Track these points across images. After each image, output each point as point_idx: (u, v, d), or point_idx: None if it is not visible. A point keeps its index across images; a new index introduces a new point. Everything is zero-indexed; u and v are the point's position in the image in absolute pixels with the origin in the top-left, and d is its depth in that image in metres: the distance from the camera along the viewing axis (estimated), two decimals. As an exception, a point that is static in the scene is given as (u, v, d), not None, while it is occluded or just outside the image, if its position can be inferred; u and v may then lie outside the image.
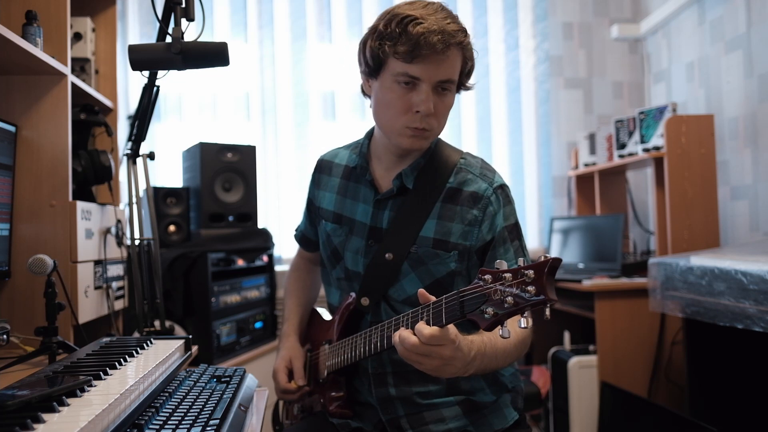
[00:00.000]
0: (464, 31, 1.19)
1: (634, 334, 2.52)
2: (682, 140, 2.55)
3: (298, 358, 1.43)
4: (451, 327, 1.02)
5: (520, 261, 0.90)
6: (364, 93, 1.33)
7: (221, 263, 2.39)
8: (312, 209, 1.50)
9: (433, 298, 1.04)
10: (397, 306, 1.29)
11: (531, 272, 0.87)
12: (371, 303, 1.29)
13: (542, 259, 0.87)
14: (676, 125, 2.55)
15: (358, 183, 1.37)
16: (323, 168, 1.47)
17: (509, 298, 0.89)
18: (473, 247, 1.26)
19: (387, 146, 1.32)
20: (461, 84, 1.27)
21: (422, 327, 1.00)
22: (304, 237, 1.58)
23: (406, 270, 1.27)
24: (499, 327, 0.92)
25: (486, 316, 0.92)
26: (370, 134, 1.39)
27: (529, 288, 0.87)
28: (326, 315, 1.50)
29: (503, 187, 1.30)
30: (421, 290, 1.07)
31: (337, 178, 1.42)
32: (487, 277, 0.93)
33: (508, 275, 0.90)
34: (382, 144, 1.33)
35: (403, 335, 1.03)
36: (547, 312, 0.87)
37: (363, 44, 1.25)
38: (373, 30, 1.21)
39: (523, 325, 0.89)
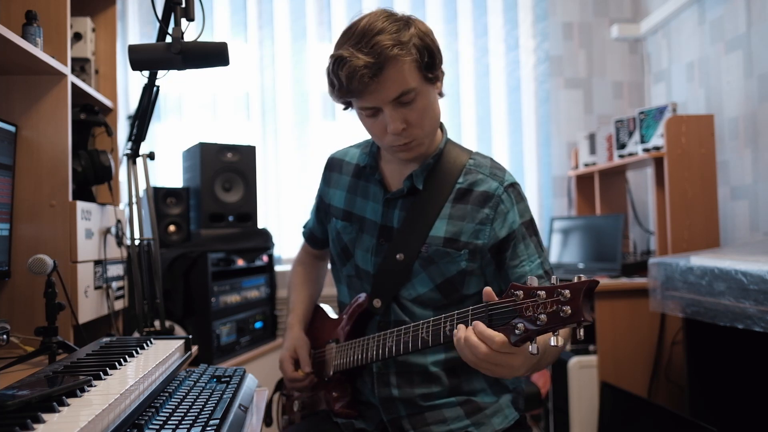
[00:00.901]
0: (396, 43, 1.14)
1: (634, 334, 2.52)
2: (682, 140, 2.55)
3: (303, 347, 1.44)
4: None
5: (554, 279, 0.90)
6: None
7: (221, 263, 2.39)
8: (322, 207, 1.50)
9: (496, 298, 0.98)
10: (407, 305, 1.29)
11: (567, 292, 0.86)
12: (382, 305, 1.30)
13: (577, 279, 0.86)
14: (676, 125, 2.55)
15: (368, 182, 1.38)
16: (334, 166, 1.48)
17: (542, 316, 0.88)
18: (486, 245, 1.26)
19: None
20: (428, 77, 1.20)
21: (492, 335, 0.93)
22: (311, 235, 1.59)
23: (417, 270, 1.27)
24: (529, 343, 0.91)
25: (517, 331, 0.91)
26: None
27: (565, 308, 0.86)
28: (330, 312, 1.50)
29: (514, 185, 1.30)
30: (487, 288, 0.99)
31: (348, 176, 1.43)
32: (519, 293, 0.92)
33: (542, 293, 0.89)
34: None
35: (472, 342, 0.95)
36: (581, 332, 0.87)
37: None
38: (325, 75, 1.25)
39: (553, 344, 0.88)
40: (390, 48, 1.14)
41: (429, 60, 1.20)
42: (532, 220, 1.30)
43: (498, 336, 0.92)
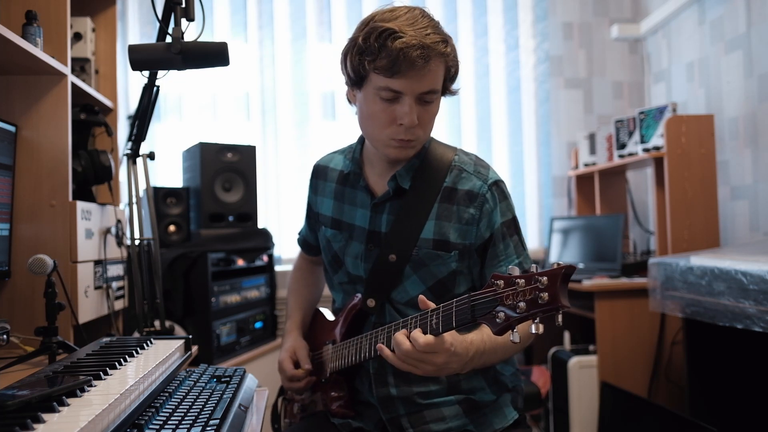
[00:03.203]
0: (445, 41, 1.17)
1: (634, 334, 2.52)
2: (682, 140, 2.55)
3: (302, 348, 1.44)
4: (447, 335, 1.05)
5: (533, 267, 0.91)
6: (350, 101, 1.31)
7: (221, 263, 2.39)
8: (311, 215, 1.50)
9: (432, 305, 1.06)
10: (400, 308, 1.29)
11: (545, 279, 0.87)
12: (377, 305, 1.30)
13: (555, 266, 0.87)
14: (676, 125, 2.55)
15: (354, 188, 1.37)
16: (319, 173, 1.47)
17: (521, 304, 0.89)
18: (473, 245, 1.27)
19: (378, 153, 1.31)
20: (445, 89, 1.24)
21: (417, 335, 1.04)
22: (305, 242, 1.58)
23: (408, 272, 1.27)
24: (510, 331, 0.92)
25: (497, 320, 0.93)
26: (362, 139, 1.38)
27: (543, 294, 0.87)
28: (329, 315, 1.50)
29: (498, 183, 1.30)
30: (421, 297, 1.09)
31: (333, 184, 1.42)
32: (500, 282, 0.94)
33: (521, 281, 0.90)
34: (374, 151, 1.33)
35: (399, 340, 1.06)
36: (559, 318, 0.88)
37: (344, 56, 1.23)
38: (353, 43, 1.19)
39: (534, 331, 0.89)
40: (442, 43, 1.16)
41: (454, 74, 1.23)
42: (513, 219, 1.30)
43: (422, 337, 1.03)
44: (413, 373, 1.08)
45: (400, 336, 1.07)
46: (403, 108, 1.17)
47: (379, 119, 1.21)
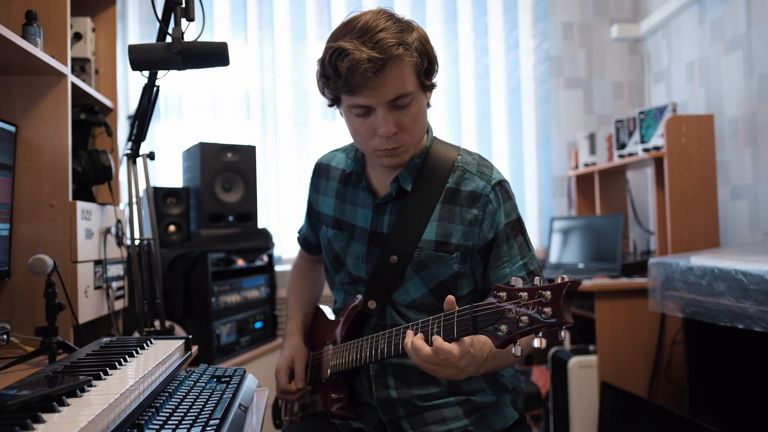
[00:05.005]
0: (402, 42, 1.12)
1: (634, 334, 2.52)
2: (682, 140, 2.55)
3: (301, 358, 1.43)
4: (467, 339, 1.01)
5: (536, 280, 0.90)
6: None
7: (221, 263, 2.39)
8: (312, 214, 1.49)
9: (456, 307, 1.03)
10: (402, 310, 1.29)
11: (548, 293, 0.86)
12: (377, 306, 1.29)
13: (560, 280, 0.86)
14: (676, 125, 2.55)
15: (356, 188, 1.37)
16: (321, 172, 1.46)
17: (524, 318, 0.88)
18: (476, 247, 1.26)
19: None
20: (423, 85, 1.20)
21: (440, 344, 0.99)
22: (306, 241, 1.57)
23: (410, 274, 1.27)
24: (512, 345, 0.91)
25: (499, 333, 0.91)
26: None
27: (546, 309, 0.86)
28: (330, 314, 1.50)
29: (502, 183, 1.29)
30: (450, 297, 1.05)
31: (335, 183, 1.41)
32: (502, 294, 0.92)
33: (524, 294, 0.89)
34: None
35: (417, 345, 1.02)
36: (562, 334, 0.87)
37: (317, 80, 1.23)
38: (319, 66, 1.19)
39: (536, 345, 0.87)
40: (395, 46, 1.12)
41: (428, 66, 1.19)
42: (518, 220, 1.29)
43: (445, 345, 0.98)
44: (434, 374, 1.05)
45: (419, 340, 1.03)
46: (377, 119, 1.17)
47: (360, 134, 1.22)
